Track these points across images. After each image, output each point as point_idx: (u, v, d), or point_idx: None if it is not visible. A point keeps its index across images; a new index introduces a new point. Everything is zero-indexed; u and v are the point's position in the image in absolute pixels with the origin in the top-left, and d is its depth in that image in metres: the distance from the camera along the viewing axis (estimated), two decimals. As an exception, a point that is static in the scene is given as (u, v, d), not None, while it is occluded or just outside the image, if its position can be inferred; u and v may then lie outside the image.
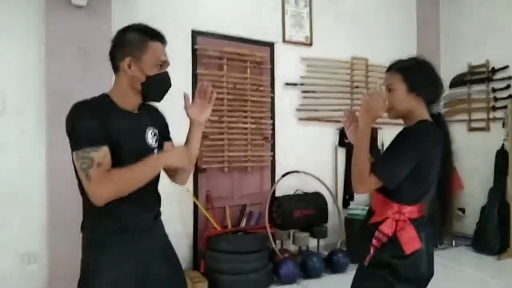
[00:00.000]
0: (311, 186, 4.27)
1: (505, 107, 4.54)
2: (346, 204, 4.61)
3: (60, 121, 1.38)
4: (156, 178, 1.55)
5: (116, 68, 1.47)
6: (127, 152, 1.39)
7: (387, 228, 1.59)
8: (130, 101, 1.47)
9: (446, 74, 5.02)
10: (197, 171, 3.81)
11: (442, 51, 5.41)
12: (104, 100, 1.44)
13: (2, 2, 2.98)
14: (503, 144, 4.60)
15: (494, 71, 4.79)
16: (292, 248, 4.13)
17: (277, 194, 4.14)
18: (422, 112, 1.64)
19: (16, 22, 3.03)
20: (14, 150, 3.04)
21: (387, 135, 4.08)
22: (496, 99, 4.77)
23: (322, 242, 4.23)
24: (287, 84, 4.32)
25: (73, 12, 3.06)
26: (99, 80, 2.91)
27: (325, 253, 4.05)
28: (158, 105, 1.61)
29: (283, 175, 4.15)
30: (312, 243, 4.14)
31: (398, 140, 1.59)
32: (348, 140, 1.84)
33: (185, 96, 1.59)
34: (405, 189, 1.56)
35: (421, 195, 1.61)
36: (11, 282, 3.01)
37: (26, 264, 3.07)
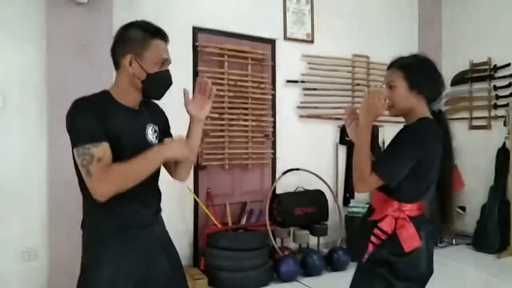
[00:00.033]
0: (311, 183, 4.27)
1: (507, 105, 4.53)
2: (346, 202, 4.61)
3: (61, 118, 1.38)
4: (156, 174, 1.55)
5: (117, 65, 1.46)
6: (127, 149, 1.38)
7: (386, 225, 1.58)
8: (130, 98, 1.47)
9: (448, 72, 5.01)
10: (198, 168, 3.81)
11: (444, 48, 5.39)
12: (104, 97, 1.44)
13: (3, -2, 2.97)
14: (504, 143, 4.59)
15: (496, 68, 4.77)
16: (292, 245, 4.13)
17: (278, 191, 4.14)
18: (423, 110, 1.64)
19: (17, 19, 3.03)
20: (15, 147, 3.04)
21: (388, 133, 4.07)
22: (497, 97, 4.75)
23: (322, 240, 4.23)
24: (288, 81, 4.31)
25: (74, 8, 3.05)
26: (99, 76, 2.91)
27: (325, 251, 4.06)
28: (158, 102, 1.60)
29: (284, 173, 4.15)
30: (312, 241, 4.14)
31: (398, 138, 1.58)
32: (349, 138, 1.83)
33: (185, 92, 1.58)
34: (405, 187, 1.56)
35: (422, 193, 1.61)
36: (12, 279, 3.02)
37: (26, 261, 3.08)
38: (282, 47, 4.30)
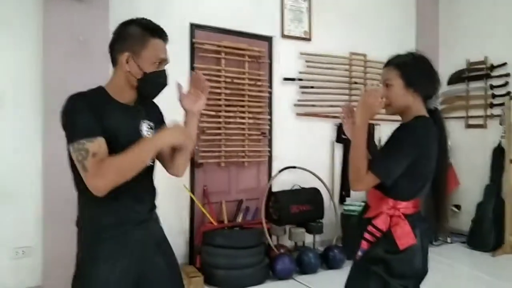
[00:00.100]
0: (308, 181, 4.27)
1: (503, 104, 4.54)
2: (342, 200, 4.62)
3: (56, 115, 1.37)
4: (151, 170, 1.54)
5: (114, 61, 1.45)
6: (122, 145, 1.37)
7: (381, 223, 1.59)
8: (126, 95, 1.46)
9: (445, 71, 5.03)
10: (194, 165, 3.80)
11: (441, 47, 5.40)
12: (99, 93, 1.43)
13: (-1, -6, 2.95)
14: (500, 141, 4.61)
15: (492, 68, 4.79)
16: (288, 243, 4.13)
17: (274, 189, 4.14)
18: (419, 108, 1.64)
19: (14, 15, 3.01)
20: (10, 145, 3.02)
21: (384, 131, 4.08)
22: (494, 96, 4.77)
23: (318, 238, 4.24)
24: (285, 79, 4.31)
25: (71, 4, 3.03)
26: (96, 73, 2.88)
27: (321, 249, 4.06)
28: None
29: (280, 171, 4.15)
30: (308, 238, 4.14)
31: (395, 136, 1.59)
32: (346, 136, 1.83)
33: (179, 86, 1.56)
34: (401, 185, 1.56)
35: (417, 191, 1.61)
36: (6, 276, 3.01)
37: (20, 258, 3.06)
38: (279, 45, 4.29)
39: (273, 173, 4.22)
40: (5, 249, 3.02)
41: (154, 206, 1.59)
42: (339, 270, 3.78)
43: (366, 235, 1.61)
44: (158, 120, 1.59)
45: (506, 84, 4.67)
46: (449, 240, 4.75)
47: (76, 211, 1.48)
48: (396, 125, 1.63)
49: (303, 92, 4.41)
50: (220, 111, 3.90)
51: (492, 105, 4.78)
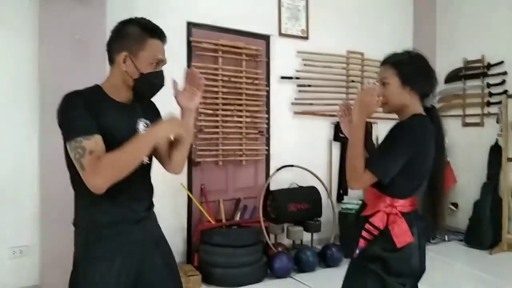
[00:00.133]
0: (305, 180, 4.27)
1: (500, 102, 4.55)
2: (340, 198, 4.62)
3: (54, 114, 1.36)
4: (148, 169, 1.54)
5: (111, 60, 1.44)
6: (119, 144, 1.37)
7: (378, 221, 1.59)
8: (122, 94, 1.45)
9: (442, 69, 5.03)
10: (191, 164, 3.80)
11: (438, 46, 5.41)
12: (96, 92, 1.42)
13: (-6, -8, 2.93)
14: (496, 140, 4.62)
15: (489, 66, 4.80)
16: (286, 242, 4.13)
17: (272, 188, 4.14)
18: (416, 106, 1.64)
19: (10, 12, 2.99)
20: (7, 144, 3.01)
21: (382, 130, 4.08)
22: (490, 95, 4.78)
23: (316, 236, 4.24)
24: (283, 77, 4.30)
25: (68, 2, 3.02)
26: (92, 71, 2.87)
27: (319, 247, 4.06)
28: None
29: (278, 169, 4.15)
30: (306, 237, 4.15)
31: (391, 135, 1.59)
32: (344, 134, 1.83)
33: (174, 83, 1.55)
34: (398, 183, 1.57)
35: (414, 189, 1.61)
36: (3, 275, 3.00)
37: (18, 257, 3.06)
38: (277, 43, 4.29)
39: (271, 171, 4.22)
40: (3, 248, 3.01)
41: (151, 205, 1.59)
42: (337, 268, 3.78)
43: (364, 233, 1.62)
44: (155, 118, 1.58)
45: (503, 82, 4.68)
46: (446, 238, 4.76)
47: (73, 210, 1.47)
48: (393, 123, 1.63)
49: (300, 91, 4.41)
50: (217, 110, 3.89)
51: (489, 104, 4.79)
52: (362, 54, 4.80)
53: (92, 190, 1.29)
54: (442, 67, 5.04)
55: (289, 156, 4.28)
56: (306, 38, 4.46)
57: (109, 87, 1.44)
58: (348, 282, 1.70)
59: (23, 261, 3.07)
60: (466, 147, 4.94)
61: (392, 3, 5.17)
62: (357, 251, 1.63)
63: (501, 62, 4.69)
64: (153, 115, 1.58)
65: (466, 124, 5.05)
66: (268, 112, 4.23)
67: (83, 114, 1.32)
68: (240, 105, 4.02)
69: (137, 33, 1.40)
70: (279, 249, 3.81)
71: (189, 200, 3.80)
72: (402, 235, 1.56)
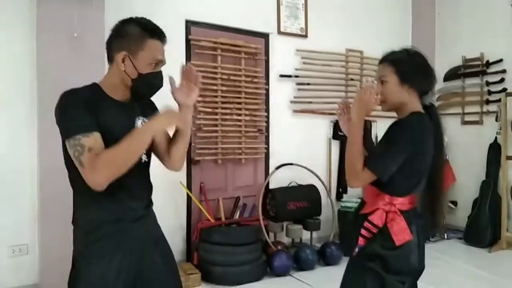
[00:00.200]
0: (304, 178, 4.27)
1: (499, 100, 4.55)
2: (339, 196, 4.63)
3: (52, 112, 1.36)
4: (146, 166, 1.54)
5: (110, 59, 1.44)
6: (117, 142, 1.37)
7: (377, 219, 1.59)
8: (120, 93, 1.45)
9: (441, 67, 5.03)
10: (191, 163, 3.80)
11: (437, 44, 5.40)
12: (94, 90, 1.42)
13: (-8, -10, 2.93)
14: (496, 138, 4.62)
15: (488, 64, 4.79)
16: (285, 240, 4.14)
17: (271, 186, 4.14)
18: (415, 104, 1.64)
19: (7, 10, 2.98)
20: (5, 141, 3.01)
21: (381, 128, 4.08)
22: (489, 93, 4.78)
23: (315, 234, 4.25)
24: (282, 76, 4.30)
25: (66, 0, 3.01)
26: (90, 69, 2.87)
27: (318, 245, 4.07)
28: None
29: (277, 168, 4.15)
30: (305, 235, 4.15)
31: (390, 133, 1.59)
32: (343, 132, 1.83)
33: (171, 79, 1.55)
34: (397, 181, 1.57)
35: (413, 187, 1.61)
36: (3, 274, 3.00)
37: (17, 256, 3.06)
38: (276, 42, 4.28)
39: (270, 170, 4.22)
40: (2, 247, 3.01)
41: (150, 203, 1.59)
42: (336, 266, 3.79)
43: (363, 231, 1.62)
44: (153, 116, 1.58)
45: (502, 80, 4.68)
46: (445, 236, 4.76)
47: (72, 208, 1.47)
48: (392, 121, 1.63)
49: (299, 89, 4.40)
50: (216, 108, 3.89)
51: (488, 102, 4.79)
52: (361, 52, 4.80)
53: (93, 187, 1.29)
54: (441, 65, 5.03)
55: (288, 155, 4.28)
56: (305, 36, 4.46)
57: (107, 85, 1.44)
58: (347, 280, 1.70)
59: (22, 260, 3.07)
60: (465, 145, 4.95)
61: (391, 1, 5.17)
62: (356, 249, 1.63)
63: (500, 60, 4.69)
64: (152, 113, 1.58)
65: (465, 122, 5.05)
66: (267, 110, 4.23)
67: (81, 112, 1.31)
68: (239, 103, 4.02)
69: (137, 33, 1.39)
70: (279, 247, 3.81)
71: (189, 198, 3.80)
72: (401, 233, 1.56)
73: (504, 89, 4.60)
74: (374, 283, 1.58)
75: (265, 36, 4.23)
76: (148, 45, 1.40)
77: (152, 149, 1.57)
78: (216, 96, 3.88)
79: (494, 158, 4.61)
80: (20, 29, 3.01)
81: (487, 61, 4.80)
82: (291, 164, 4.21)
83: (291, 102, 4.38)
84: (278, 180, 4.18)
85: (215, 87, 3.86)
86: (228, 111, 3.96)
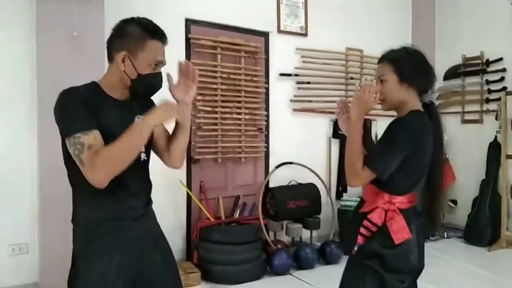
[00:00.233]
0: (304, 177, 4.27)
1: (499, 99, 4.55)
2: (339, 195, 4.63)
3: (50, 110, 1.36)
4: (145, 165, 1.53)
5: (110, 58, 1.44)
6: None
7: (376, 217, 1.59)
8: (119, 92, 1.46)
9: (441, 66, 5.03)
10: (191, 161, 3.80)
11: (437, 42, 5.40)
12: (93, 88, 1.42)
13: (-9, -11, 2.92)
14: (496, 136, 4.62)
15: (488, 63, 4.79)
16: (285, 239, 4.14)
17: (271, 185, 4.14)
18: (414, 102, 1.64)
19: (7, 10, 2.98)
20: (4, 141, 3.01)
21: (381, 127, 4.08)
22: (489, 91, 4.78)
23: (315, 233, 4.25)
24: (282, 74, 4.30)
25: (65, -1, 3.01)
26: (90, 68, 2.86)
27: (318, 244, 4.07)
28: None
29: (277, 166, 4.14)
30: (305, 234, 4.15)
31: (389, 131, 1.59)
32: (342, 132, 1.83)
33: (168, 77, 1.54)
34: (396, 180, 1.57)
35: (412, 186, 1.61)
36: (3, 273, 3.00)
37: (17, 255, 3.06)
38: (276, 40, 4.28)
39: (270, 169, 4.22)
40: (2, 246, 3.01)
41: (150, 201, 1.59)
42: (336, 265, 3.79)
43: (362, 230, 1.62)
44: None
45: (502, 79, 4.68)
46: (445, 235, 4.76)
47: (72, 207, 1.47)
48: (392, 120, 1.63)
49: (299, 88, 4.40)
50: (216, 107, 3.89)
51: (488, 100, 4.79)
52: (361, 51, 4.79)
53: (94, 184, 1.29)
54: (441, 64, 5.03)
55: (288, 153, 4.28)
56: (305, 35, 4.45)
57: (106, 84, 1.44)
58: (347, 278, 1.70)
59: (22, 259, 3.07)
60: (465, 144, 4.95)
61: (391, 0, 5.16)
62: (355, 248, 1.63)
63: (500, 59, 4.68)
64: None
65: (465, 121, 5.05)
66: (267, 109, 4.23)
67: (81, 110, 1.31)
68: (239, 102, 4.02)
69: (137, 33, 1.39)
70: (279, 246, 3.81)
71: (188, 197, 3.80)
72: (400, 231, 1.56)
73: (504, 88, 4.60)
74: (373, 282, 1.58)
75: (265, 35, 4.23)
76: (148, 46, 1.40)
77: (151, 146, 1.57)
78: (216, 95, 3.87)
79: (494, 157, 4.61)
80: (20, 29, 3.01)
81: (487, 59, 4.80)
82: (291, 163, 4.21)
83: (291, 101, 4.37)
84: (278, 179, 4.18)
85: (215, 86, 3.86)
86: (228, 110, 3.95)
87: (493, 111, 4.68)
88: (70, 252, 1.45)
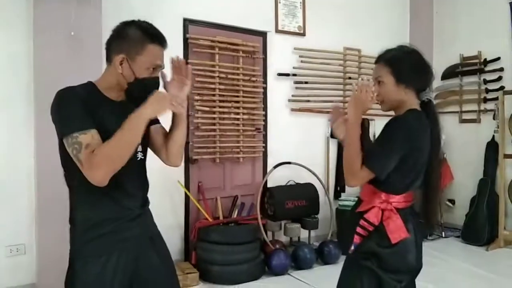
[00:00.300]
0: (302, 177, 4.27)
1: (496, 98, 4.56)
2: (337, 195, 4.62)
3: (48, 111, 1.36)
4: (142, 164, 1.53)
5: (109, 59, 1.44)
6: None
7: (373, 216, 1.59)
8: (115, 93, 1.45)
9: (439, 66, 5.03)
10: (189, 162, 3.79)
11: (434, 42, 5.41)
12: (89, 88, 1.42)
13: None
14: (493, 136, 4.63)
15: (486, 62, 4.80)
16: (284, 239, 4.14)
17: (269, 185, 4.14)
18: (413, 102, 1.64)
19: (4, 11, 2.97)
20: (3, 142, 3.00)
21: (379, 126, 4.07)
22: (487, 91, 4.79)
23: (313, 233, 4.25)
24: (280, 74, 4.30)
25: (62, -1, 3.00)
26: (87, 68, 2.85)
27: (316, 244, 4.07)
28: None
29: (275, 166, 4.14)
30: (304, 234, 4.15)
31: (386, 130, 1.59)
32: (335, 137, 1.81)
33: (162, 73, 1.53)
34: (393, 179, 1.57)
35: (409, 185, 1.61)
36: (0, 274, 2.98)
37: (15, 255, 3.05)
38: (274, 40, 4.28)
39: (268, 169, 4.22)
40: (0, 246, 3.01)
41: (146, 201, 1.58)
42: (334, 265, 3.79)
43: (359, 229, 1.62)
44: None
45: (499, 78, 4.69)
46: (443, 234, 4.77)
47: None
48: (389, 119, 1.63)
49: (297, 88, 4.40)
50: (214, 107, 3.88)
51: (485, 100, 4.80)
52: (359, 50, 4.80)
53: (93, 183, 1.29)
54: (439, 63, 5.03)
55: (286, 153, 4.28)
56: (303, 34, 4.45)
57: (103, 85, 1.44)
58: (344, 278, 1.70)
59: (20, 260, 3.06)
60: (463, 144, 4.96)
61: (389, 0, 5.16)
62: (352, 247, 1.63)
63: (498, 59, 4.69)
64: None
65: (462, 121, 5.06)
66: (265, 109, 4.22)
67: (77, 110, 1.31)
68: (237, 102, 4.01)
69: (137, 36, 1.39)
70: (277, 246, 3.81)
71: (186, 197, 3.79)
72: (397, 231, 1.56)
73: (502, 87, 4.61)
74: (370, 281, 1.58)
75: (263, 35, 4.23)
76: (147, 50, 1.40)
77: (148, 145, 1.57)
78: (214, 95, 3.87)
79: (492, 156, 4.62)
80: (17, 29, 3.00)
81: (485, 59, 4.81)
82: (289, 162, 4.21)
83: (289, 100, 4.37)
84: (276, 179, 4.18)
85: (213, 86, 3.85)
86: (226, 109, 3.95)
87: (491, 110, 4.69)
88: (67, 253, 1.45)
